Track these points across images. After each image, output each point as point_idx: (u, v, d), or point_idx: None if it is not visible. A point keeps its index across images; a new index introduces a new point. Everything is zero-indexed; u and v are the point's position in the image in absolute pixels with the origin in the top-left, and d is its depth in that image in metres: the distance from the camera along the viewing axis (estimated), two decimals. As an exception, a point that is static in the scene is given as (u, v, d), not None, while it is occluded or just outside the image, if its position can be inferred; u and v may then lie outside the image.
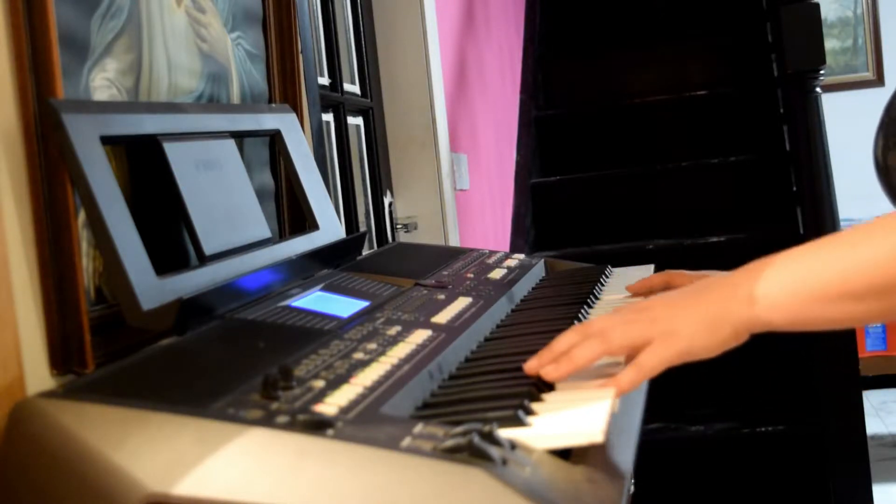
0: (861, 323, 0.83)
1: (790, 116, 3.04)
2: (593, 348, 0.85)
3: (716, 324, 0.83)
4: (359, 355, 0.86)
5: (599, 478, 0.68)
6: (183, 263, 1.06)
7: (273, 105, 1.35)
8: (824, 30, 2.91)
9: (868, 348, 4.37)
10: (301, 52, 1.41)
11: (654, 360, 0.83)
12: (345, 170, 2.13)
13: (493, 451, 0.63)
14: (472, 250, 1.50)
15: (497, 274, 1.34)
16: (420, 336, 0.95)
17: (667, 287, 1.27)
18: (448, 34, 2.68)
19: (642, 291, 1.25)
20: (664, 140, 3.52)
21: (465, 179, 2.66)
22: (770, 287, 0.82)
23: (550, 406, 0.79)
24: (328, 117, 2.09)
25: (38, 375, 0.80)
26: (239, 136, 1.20)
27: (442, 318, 1.04)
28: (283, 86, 1.38)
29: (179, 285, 0.92)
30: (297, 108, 1.37)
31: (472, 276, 1.30)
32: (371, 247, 2.26)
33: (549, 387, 0.85)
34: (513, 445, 0.66)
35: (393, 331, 0.96)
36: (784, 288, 0.82)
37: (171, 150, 1.01)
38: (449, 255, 1.43)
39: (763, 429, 2.77)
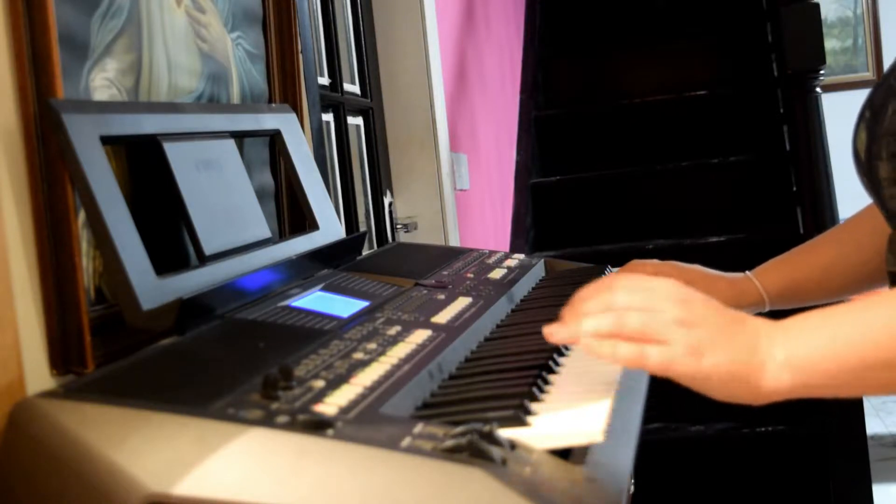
0: None
1: (790, 116, 3.04)
2: (605, 325, 0.79)
3: (737, 377, 0.78)
4: (359, 355, 0.86)
5: (599, 478, 0.68)
6: (183, 263, 1.06)
7: (273, 105, 1.35)
8: (824, 30, 2.90)
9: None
10: (301, 52, 1.41)
11: (665, 363, 0.77)
12: (345, 170, 2.12)
13: (494, 451, 0.63)
14: (472, 250, 1.49)
15: (497, 274, 1.34)
16: (420, 336, 0.95)
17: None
18: (448, 34, 2.68)
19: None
20: (664, 140, 3.52)
21: (465, 179, 2.66)
22: (806, 352, 0.79)
23: (550, 406, 0.79)
24: (328, 117, 2.09)
25: (38, 375, 0.80)
26: (239, 136, 1.20)
27: (442, 318, 1.04)
28: (283, 86, 1.38)
29: (179, 285, 0.92)
30: (297, 108, 1.37)
31: (472, 276, 1.30)
32: (371, 247, 2.26)
33: (549, 382, 0.85)
34: (513, 445, 0.66)
35: (393, 331, 0.96)
36: (825, 353, 0.79)
37: (171, 150, 1.01)
38: (449, 255, 1.43)
39: (763, 429, 2.77)
